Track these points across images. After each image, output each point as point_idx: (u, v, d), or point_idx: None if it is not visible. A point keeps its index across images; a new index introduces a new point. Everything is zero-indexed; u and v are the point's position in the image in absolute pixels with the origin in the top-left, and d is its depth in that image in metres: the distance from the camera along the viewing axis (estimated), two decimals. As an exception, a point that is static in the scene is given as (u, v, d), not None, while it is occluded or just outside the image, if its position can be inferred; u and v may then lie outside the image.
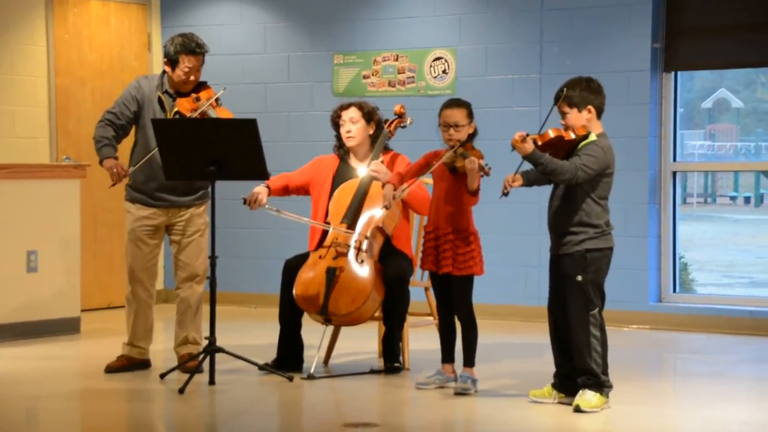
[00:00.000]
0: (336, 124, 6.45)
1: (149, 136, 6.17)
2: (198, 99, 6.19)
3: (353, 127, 6.38)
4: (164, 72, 6.27)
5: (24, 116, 8.64)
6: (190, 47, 6.17)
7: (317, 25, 9.06)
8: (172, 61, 6.19)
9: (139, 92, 6.24)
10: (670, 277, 8.19)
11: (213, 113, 6.17)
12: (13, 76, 8.59)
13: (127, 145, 6.38)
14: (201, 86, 6.27)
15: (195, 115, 6.12)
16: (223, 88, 6.34)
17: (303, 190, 6.50)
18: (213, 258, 5.92)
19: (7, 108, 8.57)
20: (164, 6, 9.46)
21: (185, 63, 6.17)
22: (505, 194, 5.38)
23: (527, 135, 5.25)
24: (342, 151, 6.48)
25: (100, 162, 6.16)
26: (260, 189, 6.37)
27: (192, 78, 6.20)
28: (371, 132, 6.42)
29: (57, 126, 8.80)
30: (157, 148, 5.99)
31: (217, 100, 6.22)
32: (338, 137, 6.48)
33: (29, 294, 7.50)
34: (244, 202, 6.33)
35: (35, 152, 8.61)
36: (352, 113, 6.39)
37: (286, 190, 6.49)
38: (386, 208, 5.85)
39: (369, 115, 6.41)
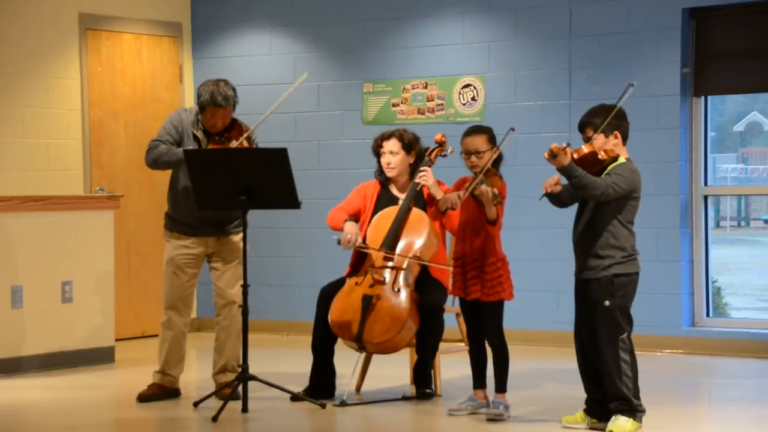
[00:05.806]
0: (377, 153, 6.49)
1: (185, 168, 6.22)
2: (229, 139, 6.24)
3: (393, 159, 6.38)
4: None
5: (58, 149, 8.74)
6: (216, 101, 6.19)
7: (346, 54, 9.12)
8: (200, 107, 6.26)
9: (181, 125, 6.30)
10: (703, 302, 8.14)
11: None
12: (47, 110, 8.70)
13: (164, 181, 6.37)
14: (233, 125, 6.31)
15: None
16: (248, 131, 6.28)
17: (357, 218, 6.46)
18: (245, 286, 5.96)
19: (42, 141, 8.67)
20: (195, 38, 9.56)
21: (210, 113, 6.22)
22: (548, 195, 5.37)
23: (567, 145, 5.27)
24: (383, 177, 6.50)
25: (176, 157, 6.14)
26: (352, 226, 6.25)
27: (218, 124, 6.26)
28: (411, 161, 6.44)
29: (91, 158, 8.89)
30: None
31: (248, 139, 6.24)
32: (379, 165, 6.51)
33: (64, 324, 7.57)
34: (338, 243, 6.24)
35: (69, 184, 8.71)
36: (392, 146, 6.38)
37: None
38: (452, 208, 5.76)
39: (410, 145, 6.40)
